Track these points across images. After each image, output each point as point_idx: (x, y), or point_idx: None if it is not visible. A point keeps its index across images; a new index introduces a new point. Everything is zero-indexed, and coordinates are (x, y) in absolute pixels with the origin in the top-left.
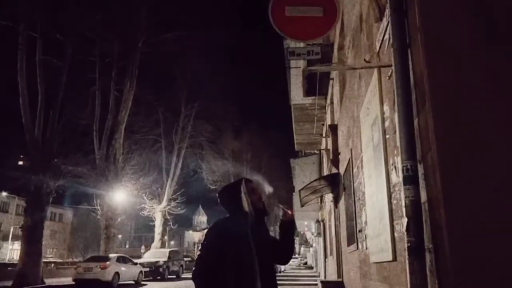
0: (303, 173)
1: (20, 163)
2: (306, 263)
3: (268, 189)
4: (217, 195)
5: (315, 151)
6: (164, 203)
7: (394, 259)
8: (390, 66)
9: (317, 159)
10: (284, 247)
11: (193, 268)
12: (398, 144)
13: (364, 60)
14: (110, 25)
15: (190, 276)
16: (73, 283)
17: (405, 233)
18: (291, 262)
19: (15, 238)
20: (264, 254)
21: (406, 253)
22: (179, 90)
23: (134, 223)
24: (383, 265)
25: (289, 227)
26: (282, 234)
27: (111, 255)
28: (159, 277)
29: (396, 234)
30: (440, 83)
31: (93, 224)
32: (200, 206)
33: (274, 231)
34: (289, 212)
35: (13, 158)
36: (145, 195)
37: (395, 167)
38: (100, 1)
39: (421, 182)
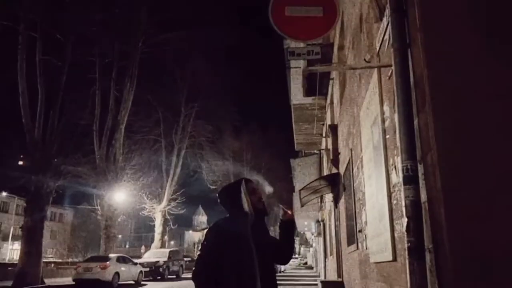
0: (303, 173)
1: (20, 163)
2: (306, 263)
3: (268, 189)
4: (217, 195)
5: (315, 151)
6: (164, 203)
7: (394, 259)
8: (390, 66)
9: (317, 159)
10: (284, 247)
11: (193, 268)
12: (398, 144)
13: (364, 60)
14: (110, 25)
15: (190, 276)
16: (73, 283)
17: (405, 233)
18: (291, 262)
19: (15, 238)
20: (264, 254)
21: (406, 253)
22: (179, 90)
23: (134, 223)
24: (383, 265)
25: (289, 227)
26: (282, 234)
27: (111, 255)
28: (159, 277)
29: (396, 234)
30: (440, 83)
31: (93, 224)
32: (200, 206)
33: (274, 231)
34: (289, 212)
35: (13, 158)
36: (145, 195)
37: (395, 167)
38: (100, 1)
39: (421, 182)
